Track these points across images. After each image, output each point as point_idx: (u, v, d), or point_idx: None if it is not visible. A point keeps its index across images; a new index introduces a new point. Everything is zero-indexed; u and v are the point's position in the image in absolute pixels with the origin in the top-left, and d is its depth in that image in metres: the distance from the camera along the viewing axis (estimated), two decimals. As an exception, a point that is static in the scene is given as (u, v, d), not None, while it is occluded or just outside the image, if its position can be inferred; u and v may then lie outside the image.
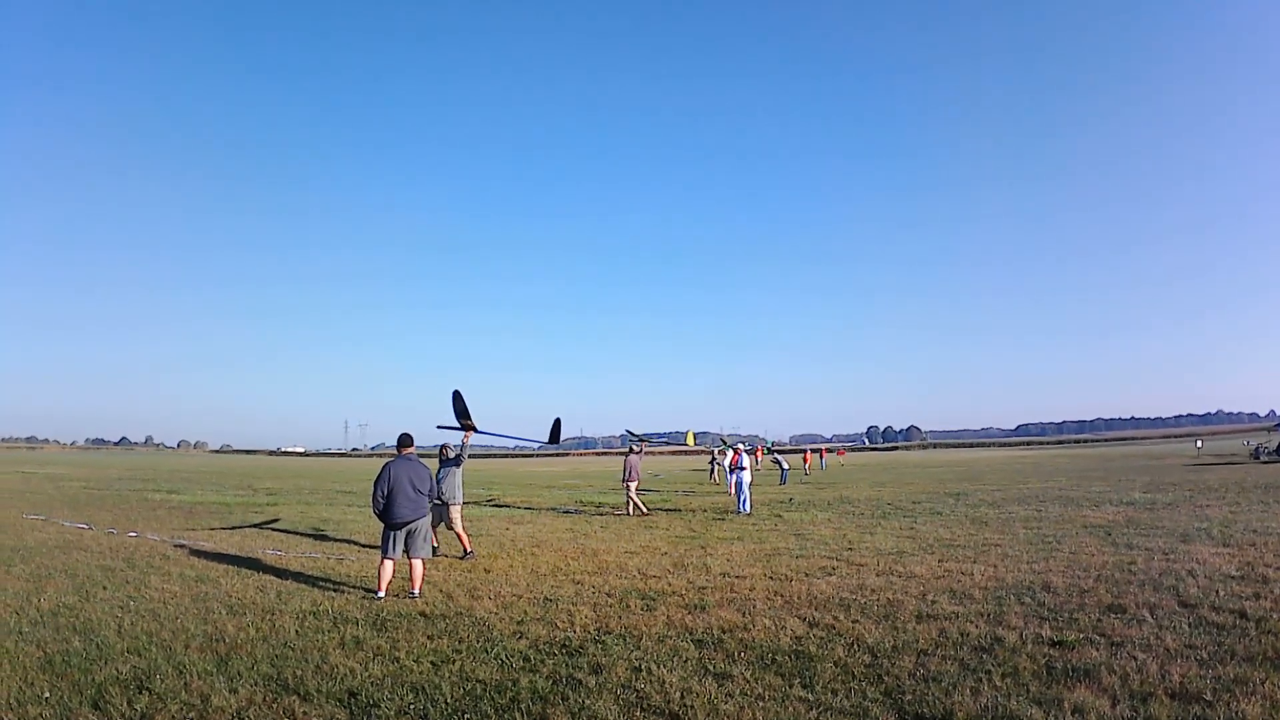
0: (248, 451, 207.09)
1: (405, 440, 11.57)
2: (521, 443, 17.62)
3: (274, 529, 19.57)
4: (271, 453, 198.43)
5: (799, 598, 10.33)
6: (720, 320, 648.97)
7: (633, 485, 24.10)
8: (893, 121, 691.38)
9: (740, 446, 27.26)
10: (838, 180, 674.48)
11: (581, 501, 29.18)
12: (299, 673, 7.21)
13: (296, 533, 18.71)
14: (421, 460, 11.42)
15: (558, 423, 17.84)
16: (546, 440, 17.85)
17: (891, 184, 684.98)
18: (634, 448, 26.41)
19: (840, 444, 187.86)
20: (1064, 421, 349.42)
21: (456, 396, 14.95)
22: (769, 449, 79.82)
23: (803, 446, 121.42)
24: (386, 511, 10.85)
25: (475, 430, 15.35)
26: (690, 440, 46.68)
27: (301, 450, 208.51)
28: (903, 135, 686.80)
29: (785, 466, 44.30)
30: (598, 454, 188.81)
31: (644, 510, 23.62)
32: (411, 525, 10.95)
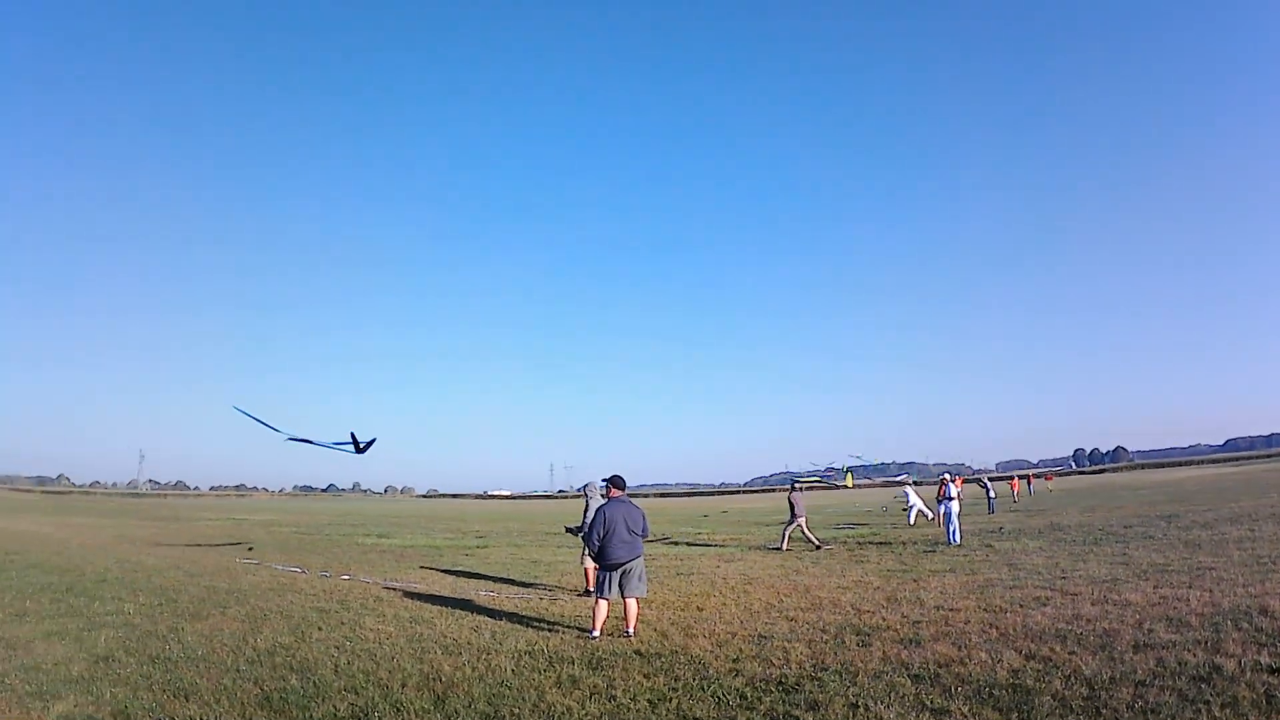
0: (455, 496, 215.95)
1: (618, 482, 11.79)
2: (335, 449, 18.20)
3: (486, 571, 19.76)
4: (478, 496, 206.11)
5: (1014, 630, 10.09)
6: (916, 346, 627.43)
7: (802, 520, 24.96)
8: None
9: (946, 476, 26.71)
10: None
11: (792, 539, 28.41)
12: (516, 711, 7.18)
13: (508, 575, 18.84)
14: (635, 502, 11.58)
15: (370, 442, 18.23)
16: (355, 450, 18.14)
17: (1072, 185, 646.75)
18: (797, 485, 27.67)
19: (1048, 469, 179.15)
20: (1272, 434, 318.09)
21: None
22: (970, 478, 77.70)
23: (1010, 473, 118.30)
24: (603, 553, 11.08)
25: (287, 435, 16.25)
26: (849, 482, 46.49)
27: (508, 493, 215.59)
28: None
29: (993, 495, 44.12)
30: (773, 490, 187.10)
31: (816, 543, 24.39)
32: (627, 565, 11.07)
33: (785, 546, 24.24)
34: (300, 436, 18.65)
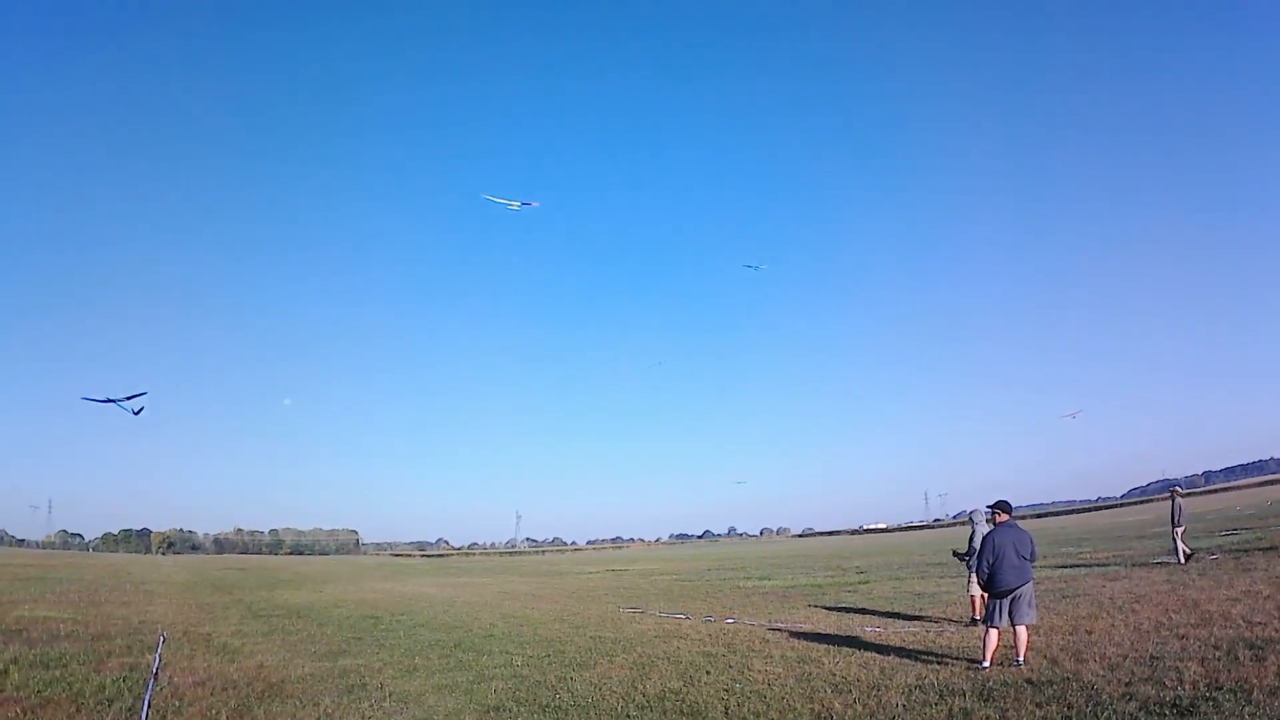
0: (830, 533, 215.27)
1: (1003, 506, 11.87)
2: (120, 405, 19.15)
3: (870, 606, 19.87)
4: (854, 531, 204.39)
5: None
6: None
7: (1179, 531, 23.89)
8: None
9: None
10: None
11: (1169, 550, 26.97)
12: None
13: (893, 609, 18.87)
14: (1022, 526, 11.66)
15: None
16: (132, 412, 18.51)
17: None
18: (1178, 489, 26.67)
19: None
20: None
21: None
22: None
23: None
24: (992, 580, 11.18)
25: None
26: None
27: (884, 526, 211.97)
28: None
29: None
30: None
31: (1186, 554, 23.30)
32: (1017, 591, 11.10)
33: (1183, 558, 23.03)
34: (93, 397, 20.96)
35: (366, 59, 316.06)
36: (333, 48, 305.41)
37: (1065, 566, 26.36)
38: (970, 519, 15.92)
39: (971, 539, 15.17)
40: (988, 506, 12.46)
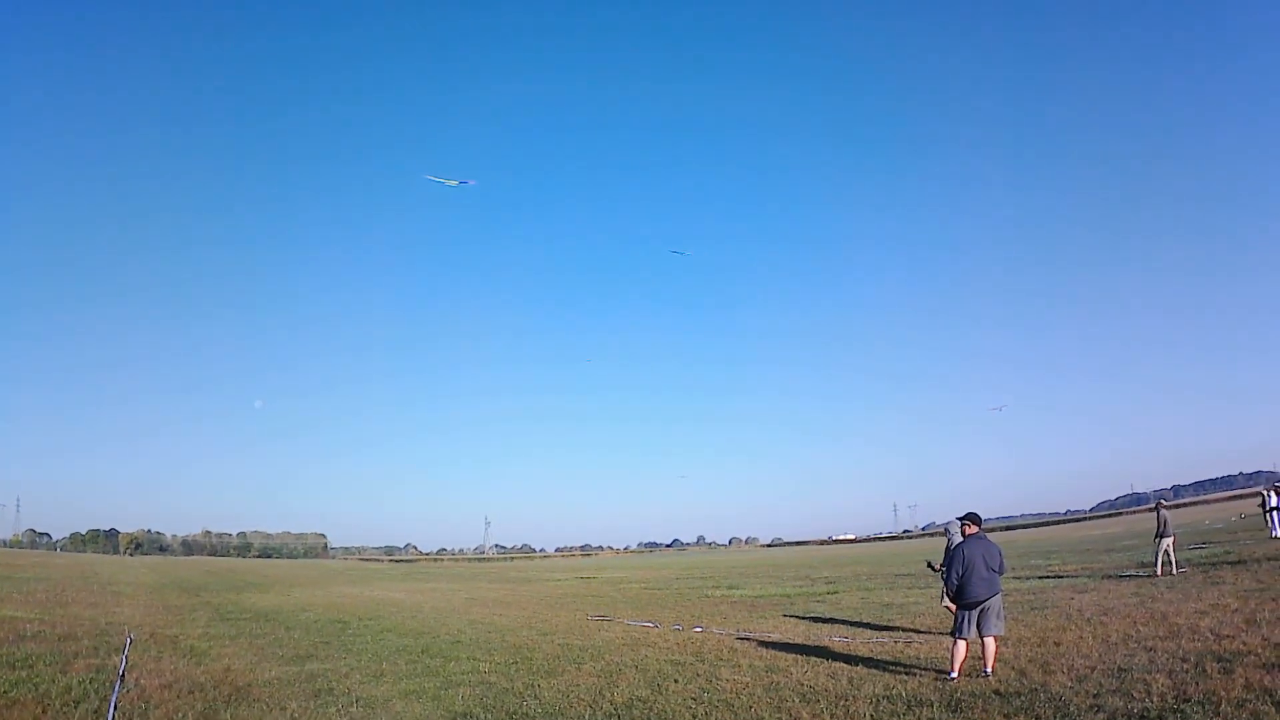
0: (799, 543, 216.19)
1: (973, 518, 12.00)
2: None
3: (838, 616, 20.02)
4: (822, 542, 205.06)
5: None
6: None
7: (1169, 541, 23.57)
8: None
9: None
10: None
11: (1142, 564, 27.69)
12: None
13: (861, 619, 19.02)
14: (993, 540, 11.80)
15: None
16: None
17: None
18: (1163, 501, 26.07)
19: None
20: None
21: None
22: None
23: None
24: (962, 592, 11.29)
25: None
26: None
27: (853, 537, 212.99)
28: None
29: None
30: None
31: (1162, 568, 23.30)
32: (985, 603, 11.21)
33: (1174, 570, 23.05)
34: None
35: (367, 58, 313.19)
36: (332, 46, 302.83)
37: (1034, 579, 26.66)
38: (946, 530, 15.95)
39: (948, 550, 15.15)
40: (958, 518, 12.54)
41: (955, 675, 10.84)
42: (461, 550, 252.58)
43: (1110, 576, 24.95)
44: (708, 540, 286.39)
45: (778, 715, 9.40)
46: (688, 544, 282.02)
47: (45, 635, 16.80)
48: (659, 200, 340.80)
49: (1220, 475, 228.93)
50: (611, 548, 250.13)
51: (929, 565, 18.04)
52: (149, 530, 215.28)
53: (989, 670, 10.91)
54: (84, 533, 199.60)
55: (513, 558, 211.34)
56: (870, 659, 12.91)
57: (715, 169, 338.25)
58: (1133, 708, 8.45)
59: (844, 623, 18.56)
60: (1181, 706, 8.29)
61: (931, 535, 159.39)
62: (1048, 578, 27.12)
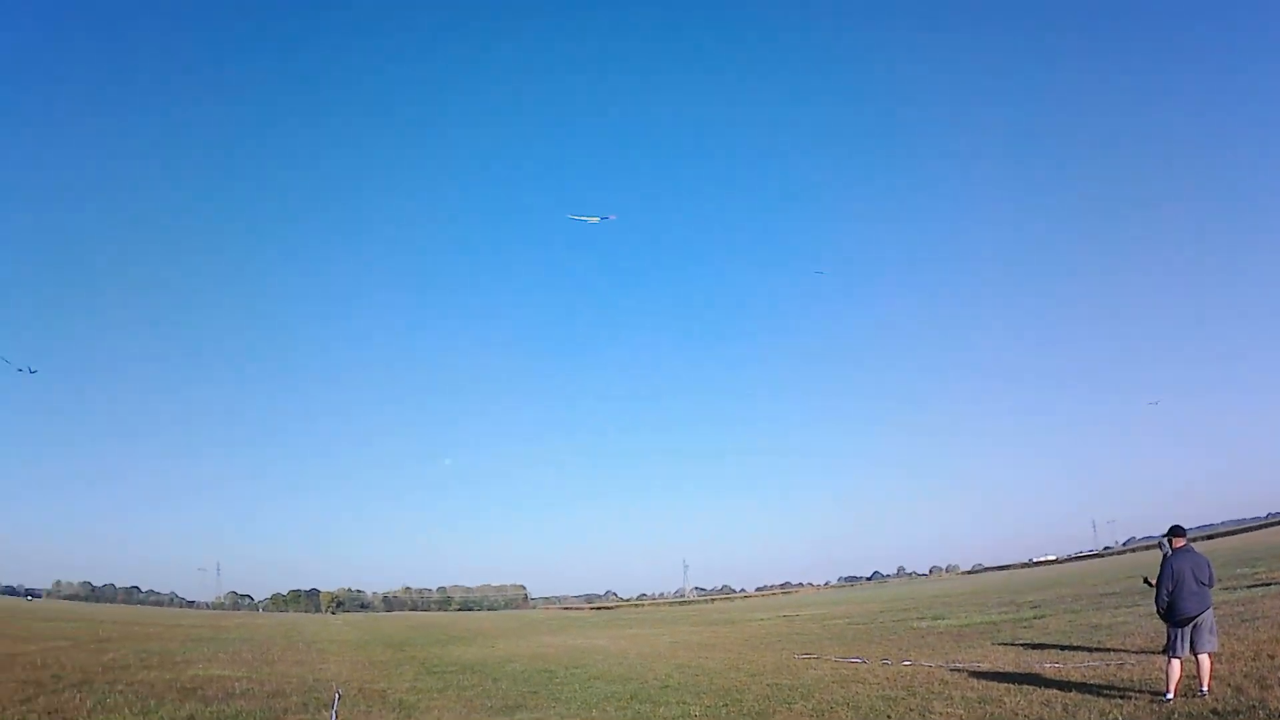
0: (1001, 567, 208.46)
1: (1178, 531, 11.81)
2: None
3: (1047, 641, 19.75)
4: (1025, 564, 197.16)
5: None
6: None
7: None
8: None
9: None
10: None
11: None
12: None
13: (1071, 643, 18.73)
14: (1200, 551, 11.59)
15: None
16: None
17: None
18: None
19: None
20: None
21: None
22: None
23: None
24: (1172, 608, 11.11)
25: None
26: None
27: (1054, 557, 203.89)
28: None
29: None
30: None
31: None
32: (1197, 619, 11.01)
33: None
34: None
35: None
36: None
37: (1240, 588, 25.65)
38: (1161, 545, 15.74)
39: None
40: (1163, 535, 12.31)
41: (1171, 696, 10.70)
42: (662, 594, 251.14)
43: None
44: (908, 570, 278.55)
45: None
46: (888, 575, 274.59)
47: (254, 693, 17.43)
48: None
49: None
50: (812, 584, 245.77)
51: (1145, 581, 17.67)
52: (350, 588, 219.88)
53: (1205, 689, 10.71)
54: (285, 593, 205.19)
55: (713, 599, 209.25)
56: (1083, 684, 12.82)
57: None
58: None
59: (1054, 647, 18.35)
60: None
61: (1135, 551, 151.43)
62: (1255, 586, 26.17)
